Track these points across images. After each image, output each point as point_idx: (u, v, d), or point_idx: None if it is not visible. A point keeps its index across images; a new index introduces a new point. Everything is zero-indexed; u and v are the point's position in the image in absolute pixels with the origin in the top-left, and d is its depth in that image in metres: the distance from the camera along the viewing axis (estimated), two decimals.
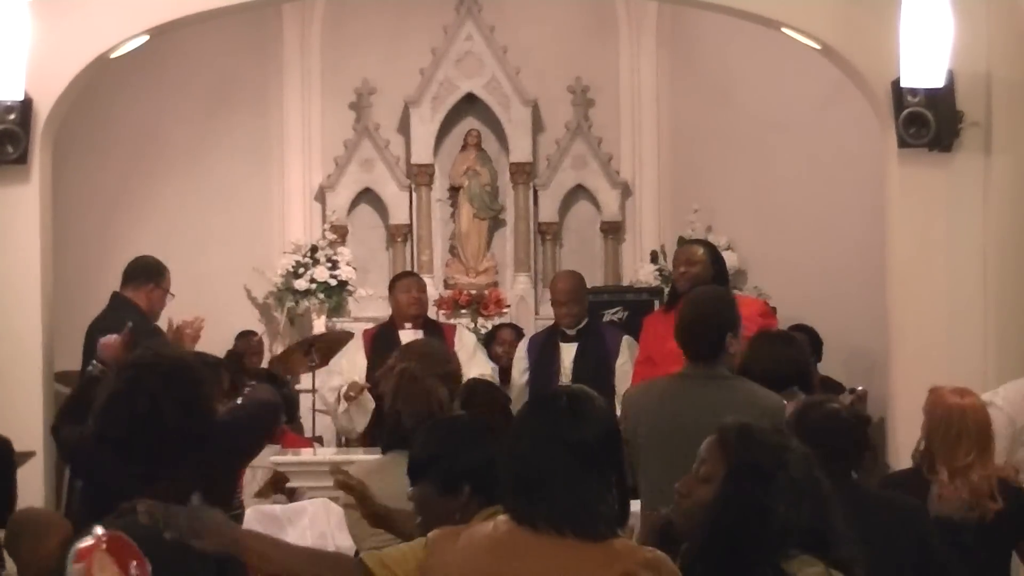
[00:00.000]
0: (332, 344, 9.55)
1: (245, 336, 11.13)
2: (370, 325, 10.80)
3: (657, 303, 9.81)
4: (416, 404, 4.88)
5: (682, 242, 9.75)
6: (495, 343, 9.60)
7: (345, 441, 9.56)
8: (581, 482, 3.02)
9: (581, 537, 3.00)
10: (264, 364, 11.15)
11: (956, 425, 5.25)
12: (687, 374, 5.31)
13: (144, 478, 4.33)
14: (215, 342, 10.93)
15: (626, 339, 8.26)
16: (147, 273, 7.91)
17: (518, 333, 10.01)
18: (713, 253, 7.81)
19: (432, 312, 9.64)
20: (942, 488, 5.17)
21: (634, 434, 5.15)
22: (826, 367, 9.62)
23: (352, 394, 8.29)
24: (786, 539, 3.10)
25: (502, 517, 3.10)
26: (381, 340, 8.74)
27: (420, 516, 3.63)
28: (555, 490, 3.02)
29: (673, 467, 4.99)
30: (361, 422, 8.50)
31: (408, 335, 8.68)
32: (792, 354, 5.70)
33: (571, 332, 8.27)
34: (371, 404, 8.16)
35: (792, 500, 3.11)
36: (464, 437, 3.70)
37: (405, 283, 8.90)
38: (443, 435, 3.79)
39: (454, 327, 9.29)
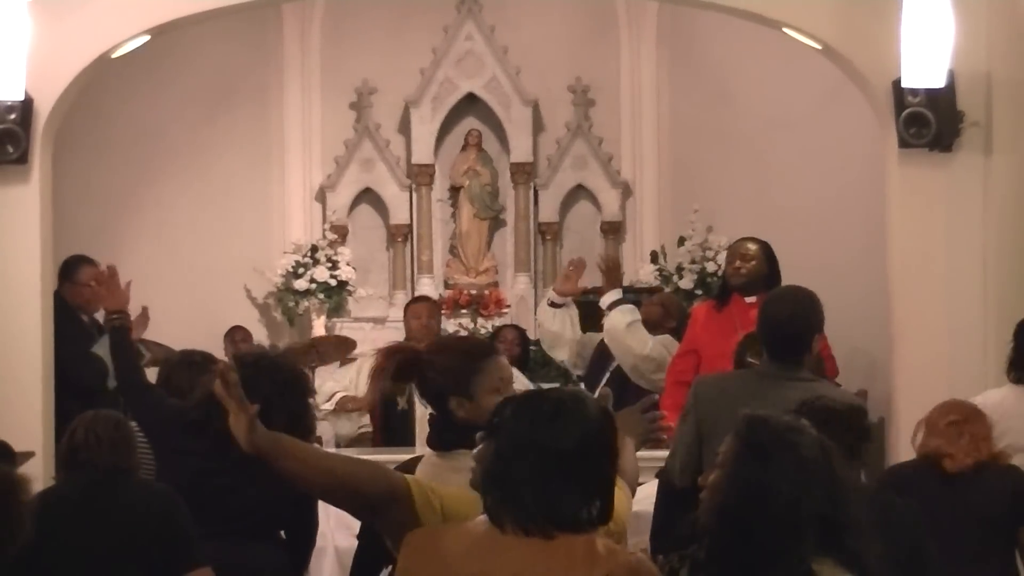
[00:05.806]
0: (332, 349, 9.58)
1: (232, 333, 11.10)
2: (370, 326, 10.83)
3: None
4: None
5: (695, 238, 9.74)
6: (497, 343, 9.57)
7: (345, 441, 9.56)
8: (550, 488, 2.96)
9: (544, 539, 2.94)
10: None
11: (966, 413, 5.54)
12: (766, 372, 5.20)
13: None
14: (215, 342, 10.96)
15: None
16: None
17: (520, 333, 9.99)
18: (767, 250, 7.78)
19: None
20: (949, 463, 5.38)
21: (706, 426, 5.09)
22: None
23: (351, 407, 8.43)
24: (799, 526, 3.02)
25: (481, 516, 3.05)
26: None
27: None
28: (522, 493, 2.97)
29: None
30: (344, 428, 8.64)
31: None
32: None
33: None
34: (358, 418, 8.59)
35: (799, 482, 3.04)
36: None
37: (415, 309, 8.93)
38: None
39: None
